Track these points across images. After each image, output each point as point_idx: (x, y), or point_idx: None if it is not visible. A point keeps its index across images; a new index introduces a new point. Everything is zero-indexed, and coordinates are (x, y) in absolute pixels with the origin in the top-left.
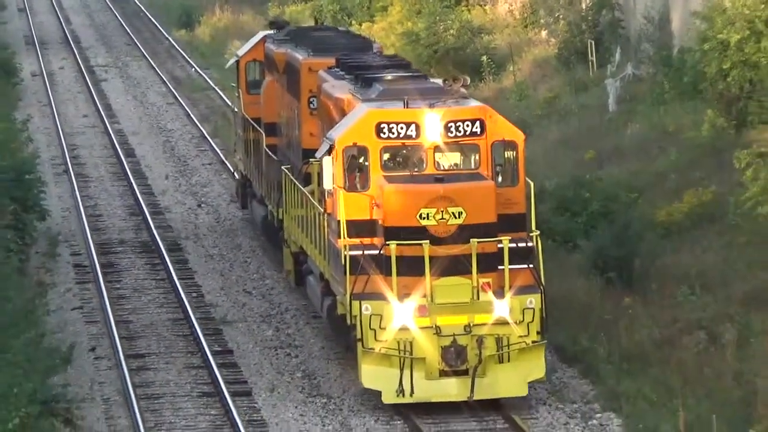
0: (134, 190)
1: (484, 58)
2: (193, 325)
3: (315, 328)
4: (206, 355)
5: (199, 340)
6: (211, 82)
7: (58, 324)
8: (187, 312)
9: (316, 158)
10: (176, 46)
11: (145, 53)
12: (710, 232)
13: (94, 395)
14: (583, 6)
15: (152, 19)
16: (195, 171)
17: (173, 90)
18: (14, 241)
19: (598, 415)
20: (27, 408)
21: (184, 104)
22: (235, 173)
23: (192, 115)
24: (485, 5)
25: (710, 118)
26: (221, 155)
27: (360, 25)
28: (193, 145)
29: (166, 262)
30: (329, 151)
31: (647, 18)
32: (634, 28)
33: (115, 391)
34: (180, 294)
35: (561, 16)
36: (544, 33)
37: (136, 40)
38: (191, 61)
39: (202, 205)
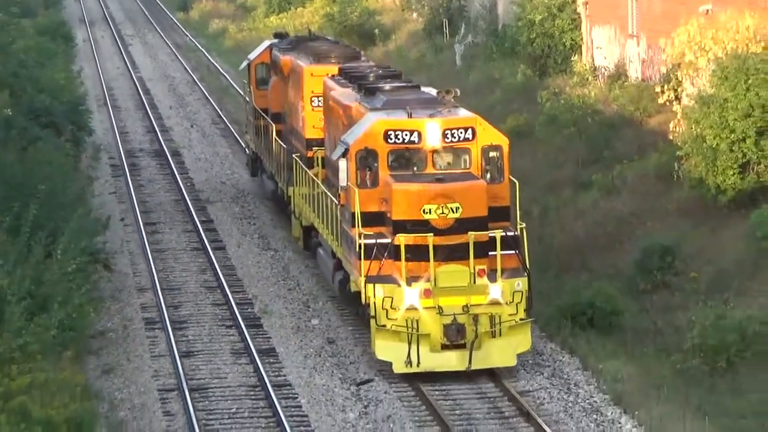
0: (149, 116)
1: (377, 31)
2: (188, 203)
3: (267, 206)
4: (196, 223)
5: (192, 213)
6: (199, 46)
7: (100, 203)
8: (184, 195)
9: (333, 158)
10: (177, 23)
11: (156, 28)
12: (524, 144)
13: (123, 250)
14: None
15: (162, 5)
16: (189, 104)
17: (175, 51)
18: (72, 149)
19: None
20: (80, 257)
21: (182, 60)
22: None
23: (187, 68)
24: None
25: (522, 70)
26: (206, 93)
27: (295, 9)
28: (188, 87)
29: (170, 163)
30: (344, 154)
31: (482, 5)
32: (473, 11)
33: (137, 246)
34: (179, 183)
35: (425, 4)
36: (415, 15)
37: (151, 19)
38: (187, 33)
39: (194, 126)
